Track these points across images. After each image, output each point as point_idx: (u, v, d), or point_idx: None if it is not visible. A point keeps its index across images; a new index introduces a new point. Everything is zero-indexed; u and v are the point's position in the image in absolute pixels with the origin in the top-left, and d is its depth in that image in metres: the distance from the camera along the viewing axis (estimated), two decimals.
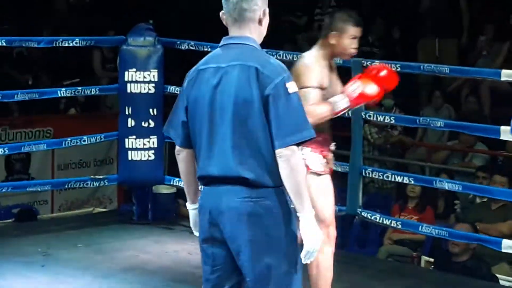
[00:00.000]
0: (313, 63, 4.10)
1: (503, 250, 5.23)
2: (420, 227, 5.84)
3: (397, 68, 5.65)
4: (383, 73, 4.16)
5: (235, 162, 3.07)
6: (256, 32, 3.19)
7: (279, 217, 3.10)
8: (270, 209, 3.08)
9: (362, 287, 5.30)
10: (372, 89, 4.09)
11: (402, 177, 5.93)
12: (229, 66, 3.10)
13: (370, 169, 5.97)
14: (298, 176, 3.06)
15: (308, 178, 3.68)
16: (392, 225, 6.04)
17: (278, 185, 3.09)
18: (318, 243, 3.08)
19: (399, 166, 7.77)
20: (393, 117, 6.28)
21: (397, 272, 5.82)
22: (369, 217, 5.85)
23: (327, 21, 4.23)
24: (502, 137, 5.25)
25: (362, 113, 5.81)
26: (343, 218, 6.25)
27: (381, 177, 5.98)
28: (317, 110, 3.95)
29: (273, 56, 4.08)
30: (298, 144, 3.07)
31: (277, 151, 3.04)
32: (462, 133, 7.76)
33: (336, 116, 4.10)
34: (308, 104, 3.83)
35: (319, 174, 4.10)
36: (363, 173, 5.89)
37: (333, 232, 4.13)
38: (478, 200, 6.91)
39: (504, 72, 5.33)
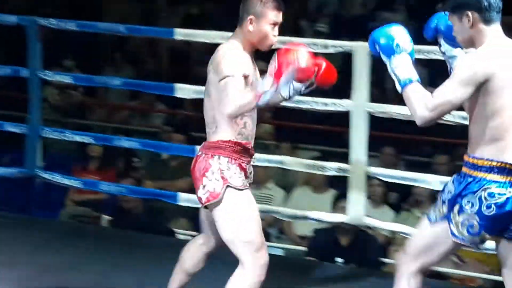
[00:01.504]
0: (233, 49, 3.49)
1: (180, 204, 5.40)
2: (100, 185, 5.92)
3: (73, 27, 5.69)
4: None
5: None
6: None
7: None
8: None
9: (43, 250, 5.21)
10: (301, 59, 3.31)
11: (82, 137, 5.96)
12: None
13: (49, 130, 5.91)
14: None
15: (226, 193, 3.41)
16: (73, 185, 6.05)
17: None
18: None
19: (81, 127, 7.74)
20: (71, 77, 6.21)
21: (78, 232, 5.82)
22: (50, 178, 5.84)
23: (243, 5, 3.55)
24: (178, 95, 5.44)
25: (39, 73, 5.77)
26: (23, 181, 6.20)
27: (60, 138, 5.93)
28: (242, 97, 3.34)
29: None
30: None
31: None
32: (142, 93, 7.96)
33: (268, 106, 3.43)
34: (231, 93, 3.35)
35: (241, 189, 3.44)
36: (42, 134, 5.86)
37: (266, 257, 3.49)
38: (162, 157, 7.12)
39: (178, 31, 5.49)
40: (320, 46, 4.97)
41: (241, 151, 3.47)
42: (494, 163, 3.04)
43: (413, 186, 5.66)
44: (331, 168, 5.07)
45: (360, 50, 4.82)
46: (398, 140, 7.01)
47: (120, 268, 4.88)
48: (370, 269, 5.55)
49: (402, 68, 3.07)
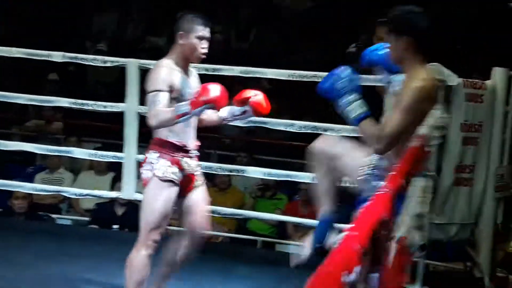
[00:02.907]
0: (161, 66, 3.25)
1: None
2: None
3: None
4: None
5: None
6: None
7: None
8: None
9: None
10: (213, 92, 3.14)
11: None
12: None
13: None
14: None
15: (151, 182, 3.23)
16: None
17: None
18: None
19: None
20: None
21: None
22: None
23: (176, 25, 3.30)
24: None
25: None
26: None
27: None
28: (162, 114, 3.13)
29: None
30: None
31: None
32: None
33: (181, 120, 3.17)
34: (151, 108, 3.16)
35: (163, 180, 3.23)
36: None
37: (155, 236, 3.21)
38: None
39: None
40: (100, 61, 4.94)
41: (172, 147, 3.24)
42: None
43: None
44: (109, 156, 5.02)
45: (131, 65, 4.81)
46: None
47: None
48: None
49: (352, 106, 2.66)
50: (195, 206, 3.37)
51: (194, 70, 3.43)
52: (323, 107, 5.43)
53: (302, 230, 5.70)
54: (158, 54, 8.10)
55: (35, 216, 5.75)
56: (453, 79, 3.92)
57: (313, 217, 5.37)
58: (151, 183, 3.22)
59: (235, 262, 4.31)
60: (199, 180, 3.41)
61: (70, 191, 5.17)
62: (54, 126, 7.82)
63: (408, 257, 1.80)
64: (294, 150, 6.23)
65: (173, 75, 3.22)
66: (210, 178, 6.50)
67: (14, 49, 5.00)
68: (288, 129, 4.71)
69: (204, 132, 7.81)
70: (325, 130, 4.44)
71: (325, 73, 4.47)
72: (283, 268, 3.93)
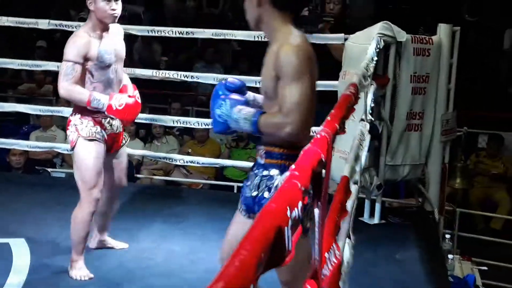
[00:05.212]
0: (77, 36, 3.07)
1: None
2: None
3: None
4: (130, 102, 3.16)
5: None
6: None
7: None
8: None
9: None
10: (125, 112, 3.10)
11: None
12: None
13: None
14: None
15: (77, 142, 3.10)
16: None
17: None
18: None
19: None
20: None
21: None
22: None
23: None
24: None
25: None
26: None
27: None
28: (75, 92, 3.03)
29: None
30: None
31: None
32: None
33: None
34: (63, 77, 3.01)
35: (88, 139, 3.10)
36: None
37: (96, 194, 3.11)
38: None
39: None
40: None
41: (92, 109, 3.09)
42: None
43: (153, 124, 5.75)
44: None
45: None
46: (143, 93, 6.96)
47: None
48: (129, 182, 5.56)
49: (241, 120, 2.18)
50: (118, 163, 3.32)
51: (118, 29, 3.24)
52: None
53: None
54: (137, 20, 7.99)
55: (31, 170, 5.71)
56: (403, 35, 3.92)
57: None
58: (78, 144, 3.11)
59: (215, 205, 4.34)
60: (126, 139, 3.35)
61: (62, 147, 5.12)
62: (44, 89, 7.73)
63: (348, 194, 1.82)
64: None
65: (90, 45, 3.07)
66: (189, 132, 6.53)
67: (4, 18, 4.88)
68: (257, 86, 4.69)
69: (182, 91, 7.79)
70: None
71: None
72: None
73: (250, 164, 5.38)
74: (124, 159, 3.39)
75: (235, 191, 5.40)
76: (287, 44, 2.10)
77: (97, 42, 3.09)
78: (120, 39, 3.23)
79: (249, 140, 6.27)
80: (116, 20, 3.14)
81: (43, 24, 4.80)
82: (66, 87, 3.03)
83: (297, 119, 2.07)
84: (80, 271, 3.19)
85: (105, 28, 3.13)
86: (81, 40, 3.06)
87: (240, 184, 5.68)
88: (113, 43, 3.16)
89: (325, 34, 4.36)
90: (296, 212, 1.10)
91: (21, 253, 3.44)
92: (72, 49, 3.04)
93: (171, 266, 3.38)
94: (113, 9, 3.08)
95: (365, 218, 4.10)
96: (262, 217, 1.04)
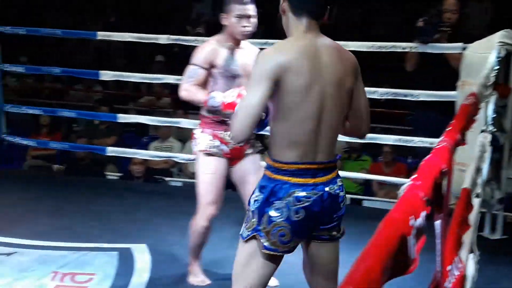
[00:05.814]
0: (206, 44, 3.10)
1: (108, 154, 5.33)
2: (50, 144, 5.79)
3: (23, 32, 5.47)
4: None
5: None
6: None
7: None
8: None
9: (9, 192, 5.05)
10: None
11: (34, 110, 5.79)
12: None
13: (9, 106, 5.70)
14: None
15: (197, 155, 3.11)
16: (30, 144, 5.91)
17: None
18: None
19: (34, 104, 7.45)
20: (24, 68, 5.98)
21: (37, 178, 5.68)
22: (12, 140, 5.66)
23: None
24: (102, 78, 5.34)
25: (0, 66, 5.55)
26: None
27: (18, 112, 5.73)
28: (194, 92, 3.03)
29: None
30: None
31: None
32: (83, 78, 7.73)
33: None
34: (186, 79, 3.06)
35: (207, 154, 3.09)
36: (5, 110, 5.65)
37: (211, 211, 3.08)
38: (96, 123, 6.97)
39: (99, 33, 5.34)
40: (200, 42, 4.95)
41: (213, 123, 3.09)
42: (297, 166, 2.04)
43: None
44: None
45: None
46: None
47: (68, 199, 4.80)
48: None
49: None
50: (247, 176, 3.14)
51: (251, 47, 3.17)
52: (399, 75, 5.31)
53: (386, 188, 5.65)
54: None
55: (151, 179, 5.96)
56: None
57: (395, 175, 5.32)
58: (198, 158, 3.10)
59: None
60: (250, 149, 3.18)
61: (179, 156, 5.31)
62: (163, 101, 8.04)
63: (469, 208, 1.76)
64: (376, 116, 6.16)
65: (217, 52, 3.06)
66: None
67: (126, 34, 5.14)
68: (370, 96, 4.64)
69: None
70: (405, 96, 4.36)
71: (402, 44, 4.32)
72: (368, 221, 3.91)
73: (363, 175, 5.36)
74: (254, 170, 3.14)
75: (348, 203, 5.35)
76: (264, 50, 2.05)
77: (225, 52, 3.08)
78: (250, 55, 3.12)
79: (361, 152, 6.21)
80: (248, 38, 3.09)
81: (163, 39, 5.01)
82: (187, 87, 3.05)
83: (235, 122, 1.99)
84: (196, 277, 3.27)
85: (236, 43, 3.11)
86: (209, 47, 3.08)
87: (353, 196, 5.66)
88: (241, 57, 3.12)
89: (442, 43, 4.25)
90: (419, 221, 1.09)
91: (142, 258, 3.59)
92: (199, 54, 3.07)
93: None
94: (244, 26, 3.03)
95: (486, 232, 3.94)
96: (385, 225, 1.04)
